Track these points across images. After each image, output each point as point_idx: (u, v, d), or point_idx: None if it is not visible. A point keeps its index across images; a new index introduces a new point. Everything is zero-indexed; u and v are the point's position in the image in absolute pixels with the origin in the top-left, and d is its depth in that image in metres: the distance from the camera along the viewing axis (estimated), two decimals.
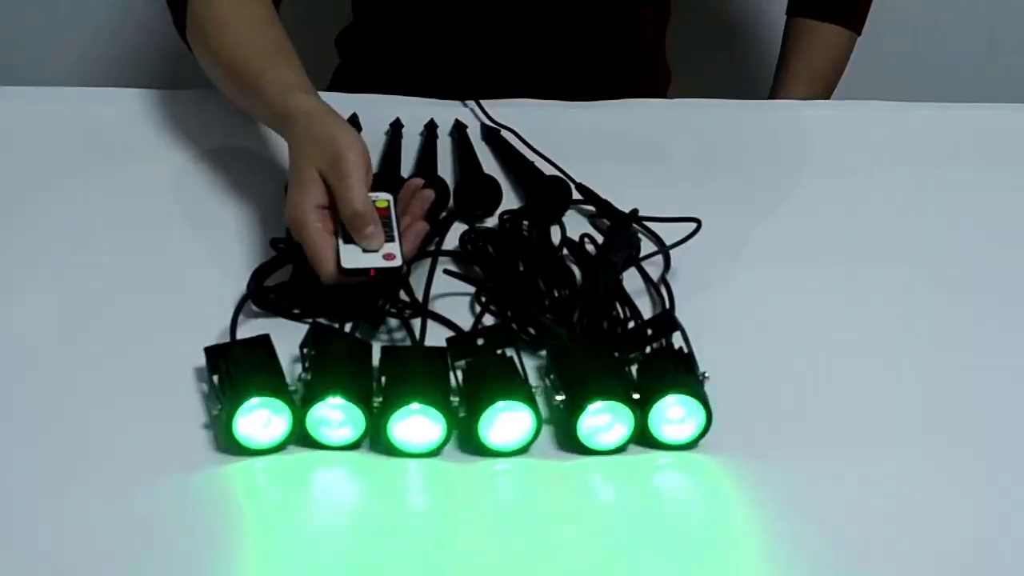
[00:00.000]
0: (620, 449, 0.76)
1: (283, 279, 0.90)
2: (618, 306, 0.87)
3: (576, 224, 1.00)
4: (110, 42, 1.74)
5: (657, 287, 0.92)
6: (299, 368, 0.79)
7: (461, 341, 0.82)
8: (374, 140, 1.11)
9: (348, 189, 0.86)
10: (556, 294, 0.89)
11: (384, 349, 0.81)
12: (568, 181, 1.04)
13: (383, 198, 0.90)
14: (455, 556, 0.69)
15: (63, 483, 0.72)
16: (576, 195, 1.03)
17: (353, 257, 0.84)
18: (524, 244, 0.95)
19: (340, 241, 0.85)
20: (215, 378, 0.77)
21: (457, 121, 1.16)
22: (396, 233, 0.87)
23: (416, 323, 0.85)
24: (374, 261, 0.84)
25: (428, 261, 0.91)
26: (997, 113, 1.30)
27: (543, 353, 0.84)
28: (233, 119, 1.05)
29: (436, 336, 0.83)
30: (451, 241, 0.95)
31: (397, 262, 0.85)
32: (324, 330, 0.81)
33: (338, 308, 0.85)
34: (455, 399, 0.76)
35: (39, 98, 1.18)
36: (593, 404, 0.75)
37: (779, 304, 0.93)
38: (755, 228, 1.04)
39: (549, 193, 1.02)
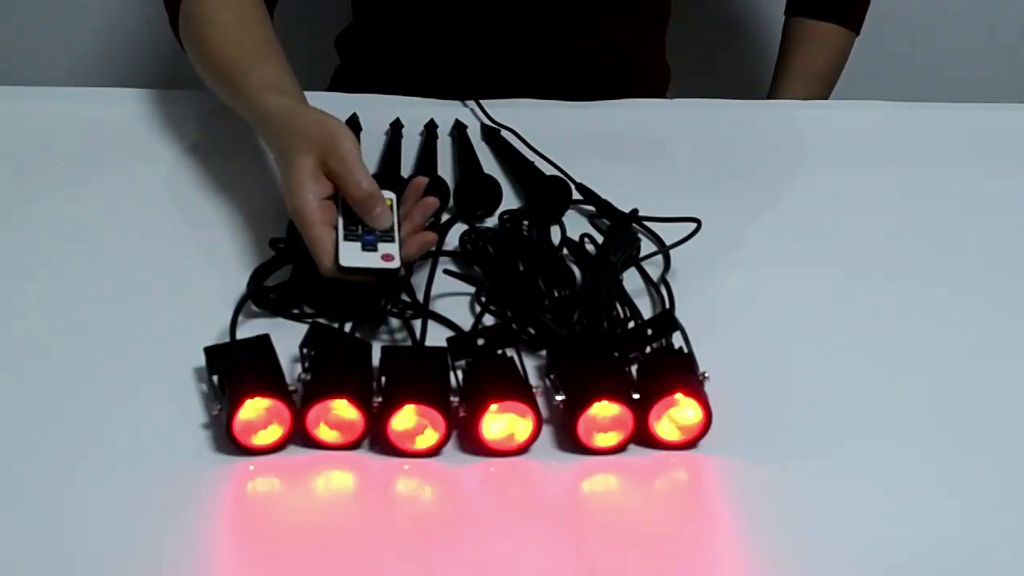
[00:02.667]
0: (620, 449, 0.76)
1: (283, 279, 0.89)
2: (618, 306, 0.87)
3: (576, 224, 1.00)
4: (110, 42, 1.74)
5: (657, 287, 0.92)
6: (299, 368, 0.79)
7: (461, 341, 0.82)
8: (374, 140, 1.11)
9: (353, 172, 0.86)
10: (556, 294, 0.89)
11: (384, 349, 0.81)
12: (568, 181, 1.04)
13: (386, 196, 0.89)
14: (455, 556, 0.69)
15: (62, 483, 0.72)
16: (576, 195, 1.03)
17: (352, 256, 0.84)
18: (524, 244, 0.95)
19: (340, 239, 0.85)
20: (215, 378, 0.77)
21: (457, 121, 1.16)
22: (396, 234, 0.87)
23: (416, 323, 0.85)
24: (372, 261, 0.84)
25: (429, 261, 0.91)
26: (997, 113, 1.30)
27: (543, 353, 0.84)
28: (232, 119, 1.05)
29: (436, 336, 0.83)
30: (451, 241, 0.95)
31: (395, 263, 0.84)
32: (324, 330, 0.81)
33: (338, 307, 0.85)
34: (455, 399, 0.76)
35: (39, 98, 1.18)
36: (593, 404, 0.75)
37: (779, 304, 0.93)
38: (755, 228, 1.04)
39: (549, 193, 1.03)
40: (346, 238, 0.85)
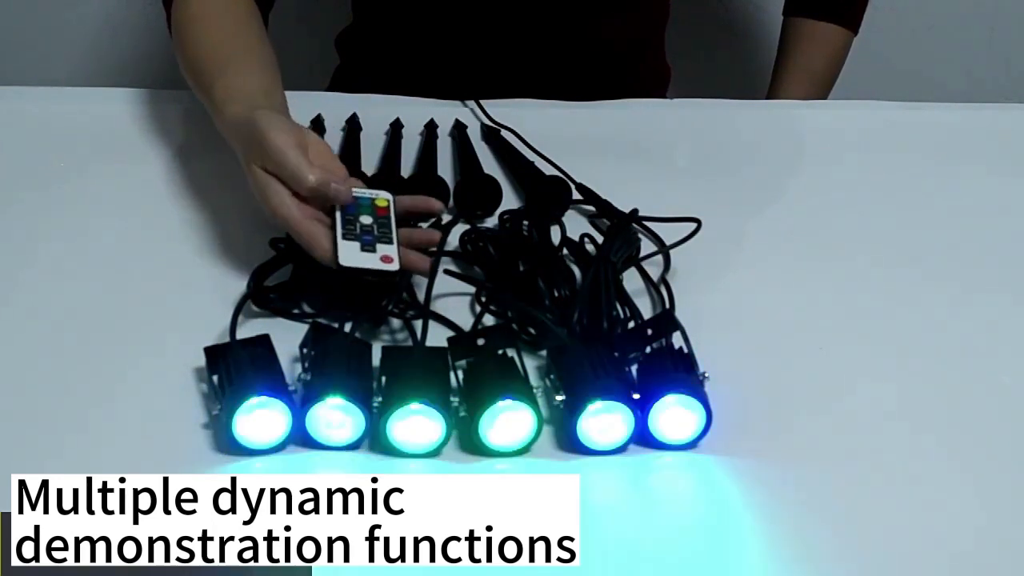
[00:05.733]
0: (620, 449, 0.76)
1: (283, 279, 0.90)
2: (618, 306, 0.87)
3: (576, 224, 1.00)
4: (110, 42, 1.74)
5: (657, 287, 0.92)
6: (299, 368, 0.79)
7: (462, 341, 0.82)
8: (374, 140, 1.11)
9: (290, 170, 0.85)
10: (556, 294, 0.89)
11: (384, 349, 0.81)
12: (568, 181, 1.04)
13: (383, 196, 0.89)
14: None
15: None
16: (576, 195, 1.03)
17: (350, 255, 0.84)
18: (524, 244, 0.95)
19: (338, 236, 0.85)
20: (215, 378, 0.77)
21: (457, 121, 1.16)
22: (394, 235, 0.87)
23: (417, 323, 0.85)
24: (371, 262, 0.84)
25: (430, 261, 0.91)
26: (997, 113, 1.30)
27: (543, 353, 0.84)
28: None
29: (437, 336, 0.83)
30: (451, 241, 0.95)
31: (394, 265, 0.84)
32: (324, 330, 0.81)
33: (338, 307, 0.85)
34: (455, 399, 0.76)
35: (39, 98, 1.18)
36: (593, 404, 0.75)
37: (779, 304, 0.93)
38: (755, 228, 1.04)
39: (549, 193, 1.03)
40: (344, 237, 0.85)
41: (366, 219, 0.87)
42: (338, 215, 0.86)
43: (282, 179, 0.86)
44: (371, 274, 0.84)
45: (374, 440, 0.75)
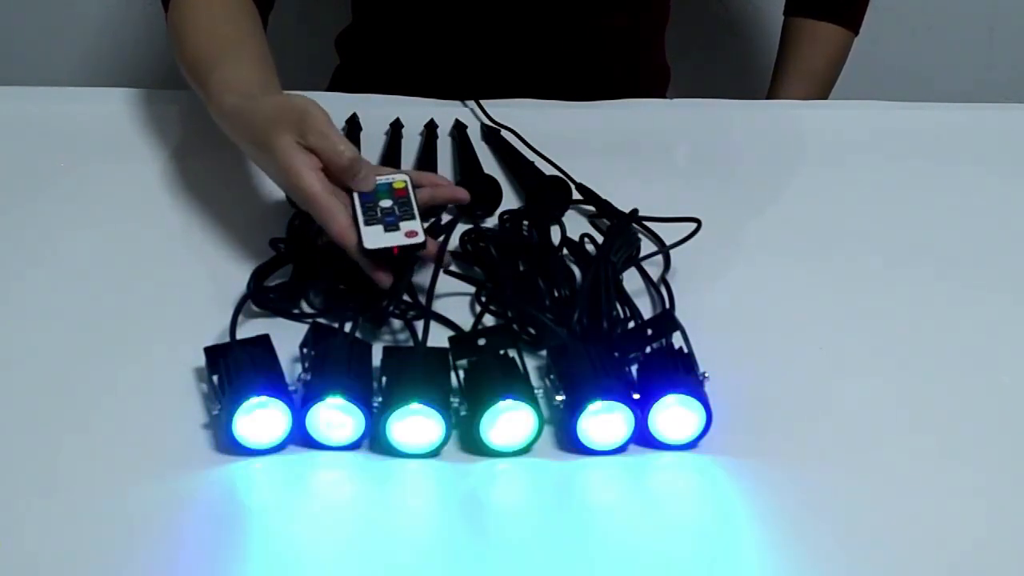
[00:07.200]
0: (620, 449, 0.76)
1: (283, 279, 0.90)
2: (618, 306, 0.87)
3: (576, 224, 1.00)
4: (110, 42, 1.74)
5: (657, 287, 0.92)
6: (299, 368, 0.79)
7: (462, 341, 0.82)
8: (374, 140, 1.11)
9: (334, 139, 0.86)
10: (556, 294, 0.89)
11: (385, 349, 0.81)
12: (568, 181, 1.04)
13: (400, 179, 0.89)
14: (455, 556, 0.69)
15: (62, 483, 0.72)
16: (576, 195, 1.03)
17: (375, 238, 0.84)
18: (524, 244, 0.95)
19: (360, 224, 0.85)
20: (215, 378, 0.77)
21: (457, 121, 1.16)
22: (416, 211, 0.87)
23: (417, 323, 0.85)
24: (396, 239, 0.84)
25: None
26: (997, 113, 1.30)
27: (543, 353, 0.84)
28: None
29: (437, 336, 0.83)
30: (451, 241, 0.95)
31: (420, 238, 0.84)
32: (324, 330, 0.81)
33: (339, 306, 0.85)
34: (455, 399, 0.76)
35: (39, 98, 1.18)
36: (593, 404, 0.75)
37: (779, 304, 0.93)
38: (755, 228, 1.04)
39: (549, 193, 1.03)
40: (367, 223, 0.85)
41: (385, 203, 0.87)
42: (357, 204, 0.86)
43: (321, 149, 0.86)
44: (398, 251, 0.84)
45: (374, 440, 0.75)
